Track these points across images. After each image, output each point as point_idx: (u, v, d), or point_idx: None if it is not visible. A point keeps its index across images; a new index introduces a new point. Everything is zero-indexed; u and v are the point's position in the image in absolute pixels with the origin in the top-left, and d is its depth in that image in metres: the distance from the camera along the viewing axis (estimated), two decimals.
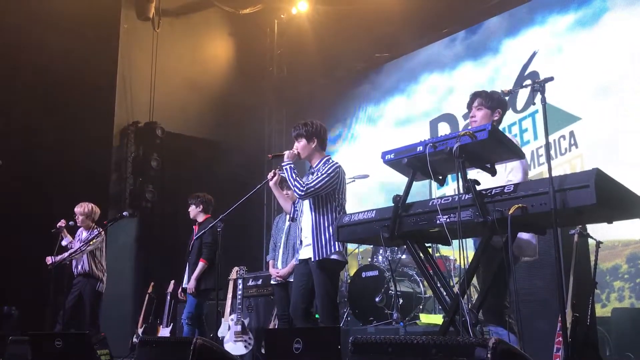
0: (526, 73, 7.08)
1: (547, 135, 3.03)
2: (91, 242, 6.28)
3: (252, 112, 9.92)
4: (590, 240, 3.99)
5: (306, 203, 4.30)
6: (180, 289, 6.48)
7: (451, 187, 6.45)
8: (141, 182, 8.73)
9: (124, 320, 8.12)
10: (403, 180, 3.15)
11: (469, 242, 3.43)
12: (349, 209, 4.26)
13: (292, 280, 4.87)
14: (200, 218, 6.38)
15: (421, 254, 3.16)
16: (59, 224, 6.37)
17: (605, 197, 2.50)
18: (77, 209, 6.47)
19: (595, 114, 6.37)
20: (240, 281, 6.43)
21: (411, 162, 3.00)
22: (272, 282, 5.72)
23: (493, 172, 3.00)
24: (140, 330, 7.48)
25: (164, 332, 7.03)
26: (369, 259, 6.94)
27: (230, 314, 6.42)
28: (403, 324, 5.71)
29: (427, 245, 3.22)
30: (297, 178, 4.20)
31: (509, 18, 7.56)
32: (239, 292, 6.36)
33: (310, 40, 9.39)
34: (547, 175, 2.72)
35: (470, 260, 2.98)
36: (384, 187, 7.81)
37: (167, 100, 9.14)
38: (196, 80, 9.49)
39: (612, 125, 6.24)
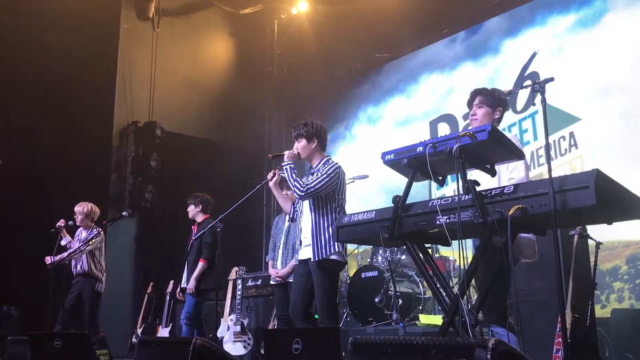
0: (526, 73, 7.07)
1: (547, 135, 3.03)
2: (90, 242, 6.28)
3: (252, 112, 9.91)
4: (590, 241, 3.99)
5: (306, 203, 4.29)
6: (178, 289, 6.47)
7: (451, 188, 6.44)
8: (141, 182, 8.73)
9: (123, 320, 8.11)
10: (403, 180, 3.15)
11: (469, 243, 3.43)
12: (348, 210, 4.26)
13: (291, 280, 4.87)
14: (199, 218, 6.37)
15: (421, 255, 3.16)
16: (58, 223, 6.38)
17: (605, 198, 2.50)
18: (77, 208, 6.47)
19: (595, 115, 6.37)
20: (239, 281, 6.43)
21: (411, 162, 3.00)
22: (271, 282, 5.72)
23: (493, 173, 3.00)
24: (139, 330, 7.47)
25: (163, 332, 7.02)
26: (369, 260, 6.94)
27: (229, 314, 6.42)
28: (402, 325, 5.70)
29: (426, 245, 3.21)
30: (297, 178, 4.20)
31: (509, 18, 7.55)
32: (239, 293, 6.36)
33: (310, 40, 9.38)
34: (546, 176, 2.72)
35: (469, 261, 2.97)
36: (383, 188, 7.79)
37: (166, 100, 9.14)
38: (196, 80, 9.49)
39: (612, 126, 6.23)
